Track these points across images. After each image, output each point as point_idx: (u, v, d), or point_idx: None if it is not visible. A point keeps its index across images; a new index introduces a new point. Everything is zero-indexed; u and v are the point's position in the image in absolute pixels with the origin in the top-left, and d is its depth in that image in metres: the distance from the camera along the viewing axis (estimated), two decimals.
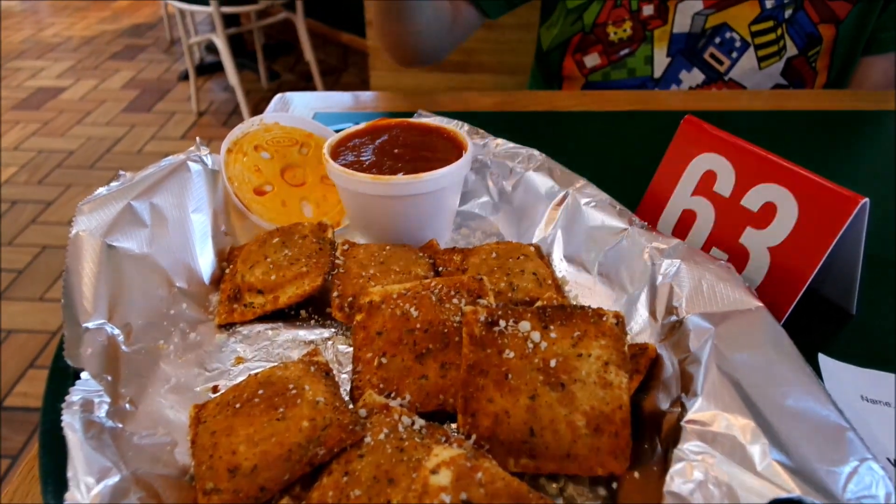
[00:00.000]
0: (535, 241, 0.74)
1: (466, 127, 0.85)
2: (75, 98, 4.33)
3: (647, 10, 1.20)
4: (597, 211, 0.70)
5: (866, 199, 0.57)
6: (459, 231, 0.79)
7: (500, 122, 1.05)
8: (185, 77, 4.42)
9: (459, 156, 0.72)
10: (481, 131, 0.86)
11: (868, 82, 1.26)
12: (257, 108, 3.72)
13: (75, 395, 0.47)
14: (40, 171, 3.48)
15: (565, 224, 0.72)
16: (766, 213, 0.62)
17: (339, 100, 1.19)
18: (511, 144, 0.83)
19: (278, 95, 1.17)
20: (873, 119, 1.11)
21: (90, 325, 0.55)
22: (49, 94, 4.38)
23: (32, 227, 3.03)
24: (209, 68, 4.49)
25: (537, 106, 1.16)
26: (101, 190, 0.67)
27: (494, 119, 1.10)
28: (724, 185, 0.66)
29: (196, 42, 4.08)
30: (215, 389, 0.58)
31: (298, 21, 3.66)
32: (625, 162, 0.95)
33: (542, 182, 0.76)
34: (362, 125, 0.78)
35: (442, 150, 0.75)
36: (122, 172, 0.71)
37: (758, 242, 0.63)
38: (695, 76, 1.25)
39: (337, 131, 0.78)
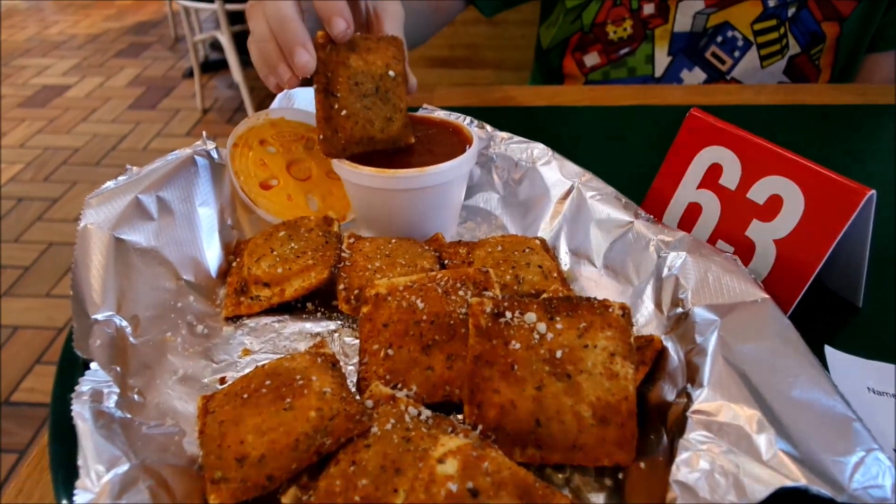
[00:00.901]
0: (540, 234, 0.74)
1: (472, 121, 0.85)
2: (80, 95, 4.34)
3: (648, 8, 1.20)
4: (602, 204, 0.70)
5: (873, 191, 0.57)
6: (465, 224, 0.80)
7: (505, 117, 1.05)
8: (189, 74, 4.42)
9: (465, 149, 0.72)
10: (487, 126, 0.86)
11: (875, 79, 1.25)
12: (262, 105, 3.69)
13: (85, 386, 0.48)
14: (46, 168, 3.49)
15: (571, 217, 0.72)
16: (773, 206, 0.62)
17: None
18: (516, 138, 0.83)
19: (279, 97, 1.17)
20: (879, 113, 1.10)
21: (99, 316, 0.55)
22: (54, 91, 4.39)
23: (38, 224, 3.04)
24: (214, 65, 4.50)
25: (541, 101, 1.16)
26: (109, 184, 0.67)
27: (498, 114, 1.10)
28: (730, 177, 0.66)
29: (201, 39, 4.08)
30: (223, 381, 0.58)
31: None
32: (629, 156, 0.95)
33: (547, 175, 0.76)
34: None
35: (447, 144, 0.75)
36: (128, 167, 0.71)
37: (764, 235, 0.63)
38: (696, 75, 1.25)
39: None
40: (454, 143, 0.75)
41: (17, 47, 5.15)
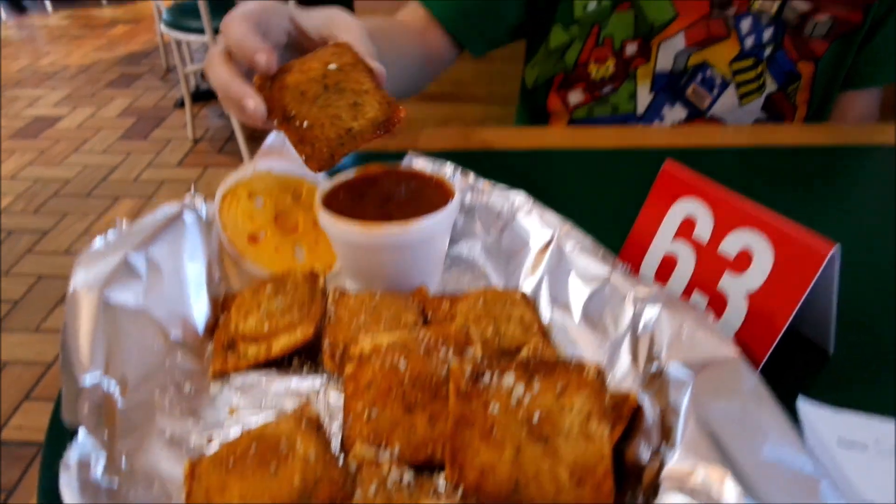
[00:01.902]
0: (521, 283, 0.76)
1: (454, 168, 0.86)
2: (72, 126, 4.36)
3: (631, 49, 1.23)
4: (581, 256, 0.71)
5: (836, 247, 0.59)
6: (449, 271, 0.81)
7: (488, 161, 1.08)
8: (180, 104, 4.46)
9: (447, 202, 0.74)
10: (471, 173, 0.88)
11: (850, 116, 1.29)
12: (252, 136, 3.74)
13: (72, 458, 0.48)
14: (36, 199, 3.50)
15: (551, 268, 0.74)
16: (743, 259, 0.64)
17: None
18: (498, 186, 0.85)
19: (274, 132, 1.19)
20: (858, 153, 1.13)
21: (87, 380, 0.56)
22: (46, 122, 4.41)
23: (28, 256, 3.04)
24: (205, 95, 4.53)
25: (525, 143, 1.18)
26: (98, 243, 0.68)
27: (482, 157, 1.12)
28: (703, 230, 0.68)
29: (192, 70, 4.13)
30: (210, 440, 0.59)
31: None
32: (611, 201, 0.97)
33: (528, 226, 0.78)
34: (353, 173, 0.80)
35: (430, 197, 0.77)
36: (118, 219, 0.73)
37: (736, 288, 0.64)
38: (677, 112, 1.28)
39: (331, 175, 0.80)
40: (437, 195, 0.77)
41: (10, 78, 5.18)
